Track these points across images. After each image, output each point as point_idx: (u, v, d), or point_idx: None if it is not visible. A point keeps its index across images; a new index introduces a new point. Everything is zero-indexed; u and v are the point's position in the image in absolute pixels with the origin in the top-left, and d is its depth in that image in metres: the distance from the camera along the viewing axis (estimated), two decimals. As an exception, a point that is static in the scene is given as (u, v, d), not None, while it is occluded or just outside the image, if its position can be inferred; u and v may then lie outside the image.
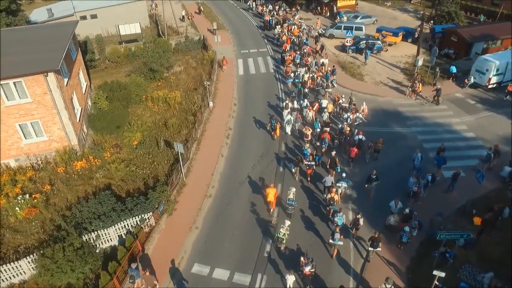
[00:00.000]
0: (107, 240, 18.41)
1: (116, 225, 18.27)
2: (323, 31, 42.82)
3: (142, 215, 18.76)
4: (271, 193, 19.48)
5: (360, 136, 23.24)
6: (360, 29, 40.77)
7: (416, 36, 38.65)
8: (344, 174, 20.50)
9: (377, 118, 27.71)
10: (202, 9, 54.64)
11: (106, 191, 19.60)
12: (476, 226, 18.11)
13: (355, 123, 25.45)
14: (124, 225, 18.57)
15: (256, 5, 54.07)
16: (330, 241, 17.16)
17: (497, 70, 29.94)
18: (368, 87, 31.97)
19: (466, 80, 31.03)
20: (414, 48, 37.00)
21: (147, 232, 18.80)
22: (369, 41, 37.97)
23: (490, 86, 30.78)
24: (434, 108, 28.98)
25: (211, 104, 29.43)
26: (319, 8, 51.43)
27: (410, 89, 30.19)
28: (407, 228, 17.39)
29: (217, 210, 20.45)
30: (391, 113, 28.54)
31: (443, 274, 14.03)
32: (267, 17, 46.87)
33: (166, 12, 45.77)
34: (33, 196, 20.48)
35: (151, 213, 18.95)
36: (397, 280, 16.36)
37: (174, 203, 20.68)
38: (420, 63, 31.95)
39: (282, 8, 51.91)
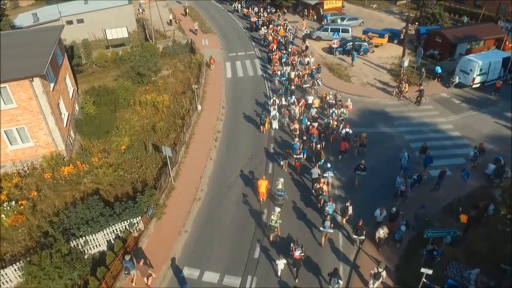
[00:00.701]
0: (96, 245, 18.25)
1: (104, 230, 18.12)
2: (309, 32, 43.31)
3: (131, 220, 18.64)
4: (263, 185, 20.18)
5: (347, 130, 24.20)
6: (346, 31, 41.19)
7: (402, 37, 39.15)
8: (329, 165, 21.16)
9: (364, 119, 28.00)
10: (188, 11, 54.85)
11: (94, 196, 19.47)
12: (462, 224, 18.37)
13: (340, 118, 26.29)
14: (113, 230, 18.43)
15: (242, 7, 54.71)
16: (321, 228, 17.95)
17: (481, 70, 30.51)
18: (355, 88, 32.28)
19: (452, 79, 31.53)
20: (400, 49, 37.48)
21: (136, 237, 18.68)
22: (356, 42, 38.37)
23: (474, 86, 31.34)
24: (420, 108, 29.39)
25: (199, 107, 29.42)
26: (305, 10, 51.80)
27: (397, 89, 30.57)
28: (403, 228, 17.70)
29: (206, 213, 20.43)
30: (378, 114, 28.86)
31: (430, 272, 14.26)
32: (253, 19, 47.47)
33: (153, 16, 45.66)
34: (19, 203, 20.24)
35: (139, 218, 18.84)
36: (386, 279, 16.52)
37: (163, 207, 20.61)
38: (406, 64, 32.40)
39: (268, 10, 52.52)
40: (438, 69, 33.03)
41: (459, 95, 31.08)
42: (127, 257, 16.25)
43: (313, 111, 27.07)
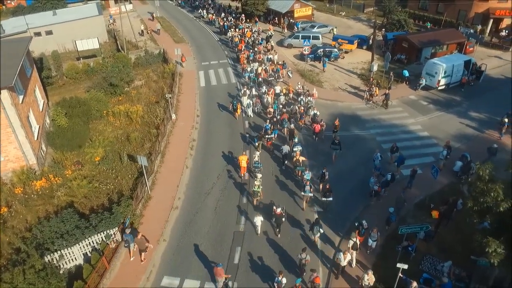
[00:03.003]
0: (72, 259, 17.89)
1: (80, 243, 17.77)
2: (273, 34, 45.51)
3: (108, 231, 18.35)
4: (244, 160, 22.62)
5: (315, 111, 27.61)
6: (317, 38, 42.17)
7: (370, 43, 40.42)
8: (296, 140, 24.30)
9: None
10: (156, 16, 55.74)
11: (68, 209, 19.02)
12: (434, 219, 19.05)
13: (308, 106, 29.04)
14: (89, 243, 18.10)
15: (207, 13, 57.20)
16: (302, 193, 20.54)
17: (445, 72, 31.87)
18: (327, 93, 33.01)
19: (419, 81, 32.80)
20: (368, 55, 38.66)
21: (114, 248, 18.37)
22: (326, 49, 39.32)
23: (440, 88, 32.67)
24: (390, 110, 30.35)
25: (173, 116, 29.34)
26: (276, 19, 52.75)
27: (368, 93, 31.48)
28: (391, 209, 18.89)
29: (184, 221, 20.34)
30: (351, 117, 29.60)
31: (406, 266, 14.72)
32: (221, 22, 50.67)
33: (124, 27, 45.32)
34: (-12, 220, 19.56)
35: (116, 228, 18.56)
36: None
37: (140, 217, 20.37)
38: (375, 68, 33.46)
39: (233, 15, 54.99)
40: (406, 73, 34.28)
41: (426, 97, 32.32)
42: (127, 231, 17.68)
43: (282, 98, 30.06)
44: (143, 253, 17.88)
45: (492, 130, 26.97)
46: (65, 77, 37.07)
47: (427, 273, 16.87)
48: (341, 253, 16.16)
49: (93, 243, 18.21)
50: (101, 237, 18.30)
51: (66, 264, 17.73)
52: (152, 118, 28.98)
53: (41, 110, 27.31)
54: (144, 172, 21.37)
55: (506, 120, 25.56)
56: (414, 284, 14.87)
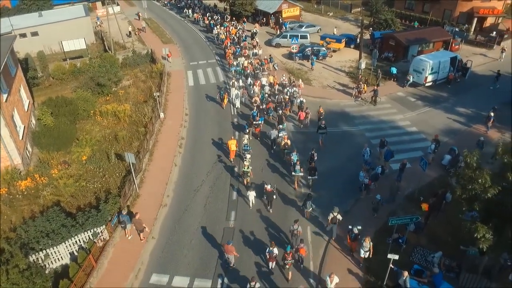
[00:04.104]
0: (58, 258, 17.47)
1: (66, 242, 17.38)
2: (258, 31, 46.13)
3: (95, 229, 17.99)
4: (233, 144, 23.54)
5: (301, 99, 28.86)
6: (305, 37, 42.31)
7: (358, 42, 40.65)
8: (281, 126, 25.47)
9: (326, 120, 28.33)
10: (144, 17, 55.76)
11: (54, 207, 18.63)
12: (424, 212, 19.09)
13: (294, 96, 29.89)
14: (76, 241, 17.73)
15: (192, 13, 58.48)
16: (293, 173, 21.45)
17: (432, 69, 32.17)
18: (316, 91, 33.07)
19: (407, 78, 33.06)
20: (356, 53, 38.76)
21: (101, 247, 18.03)
22: (314, 48, 39.45)
23: (427, 84, 32.95)
24: (378, 106, 30.50)
25: (162, 115, 29.07)
26: (264, 19, 52.88)
27: (356, 90, 31.60)
28: (378, 197, 19.17)
29: (173, 219, 20.08)
30: (340, 114, 29.66)
31: (396, 257, 14.68)
32: (206, 21, 51.81)
33: (112, 28, 44.94)
34: (-29, 221, 19.05)
35: (104, 226, 18.23)
36: (355, 269, 16.87)
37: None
38: (363, 66, 33.60)
39: (219, 15, 55.83)
40: (394, 70, 34.52)
41: (414, 94, 32.57)
42: (124, 211, 18.38)
43: (267, 89, 31.47)
44: (141, 233, 18.44)
45: (479, 124, 27.25)
46: (51, 77, 36.56)
47: (418, 264, 16.86)
48: (328, 276, 15.35)
49: (80, 242, 17.84)
50: (88, 236, 17.93)
51: (52, 263, 17.32)
52: (140, 117, 28.69)
53: (26, 110, 26.85)
54: (132, 170, 21.07)
55: (492, 114, 25.85)
56: (405, 274, 14.85)
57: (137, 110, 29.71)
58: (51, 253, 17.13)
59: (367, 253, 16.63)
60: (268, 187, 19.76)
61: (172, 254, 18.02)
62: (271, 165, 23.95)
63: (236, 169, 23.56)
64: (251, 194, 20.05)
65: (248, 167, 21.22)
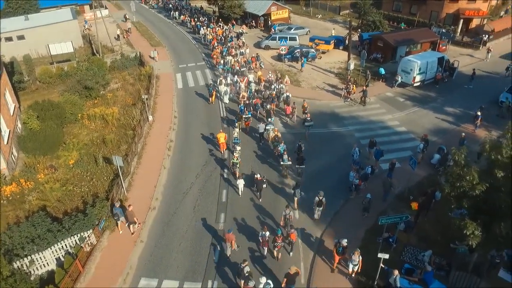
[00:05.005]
0: (43, 264, 17.11)
1: (52, 247, 17.02)
2: (245, 32, 47.40)
3: (82, 234, 17.66)
4: (222, 136, 24.19)
5: (287, 94, 29.96)
6: (294, 39, 42.36)
7: (346, 43, 40.83)
8: (269, 119, 26.23)
9: (316, 120, 28.48)
10: (132, 21, 55.50)
11: (40, 212, 18.25)
12: (413, 211, 19.12)
13: (281, 92, 30.74)
14: (62, 246, 17.37)
15: (179, 14, 59.20)
16: (282, 163, 22.36)
17: (420, 69, 32.42)
18: (305, 92, 33.08)
19: (395, 79, 33.25)
20: (345, 55, 38.90)
21: (88, 251, 17.69)
22: (304, 49, 39.52)
23: (415, 84, 33.19)
24: (368, 107, 30.62)
25: (150, 118, 28.79)
26: (253, 22, 52.90)
27: (345, 91, 31.68)
28: (369, 196, 19.15)
29: (162, 222, 19.81)
30: (329, 115, 29.70)
31: (387, 256, 14.65)
32: (193, 23, 52.68)
33: (100, 32, 44.51)
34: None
35: (91, 231, 17.90)
36: (345, 269, 16.75)
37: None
38: (352, 67, 33.73)
39: (206, 16, 56.57)
40: (382, 71, 34.71)
41: (403, 94, 32.77)
42: (117, 204, 18.56)
43: (253, 85, 32.10)
44: (131, 226, 18.77)
45: (467, 123, 27.48)
46: (38, 81, 36.02)
47: (408, 263, 16.86)
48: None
49: (67, 247, 17.48)
50: (75, 240, 17.60)
51: (38, 270, 16.94)
52: (129, 120, 28.39)
53: (12, 114, 26.38)
54: (120, 173, 20.78)
55: (479, 113, 26.08)
56: (396, 272, 14.81)
57: (125, 113, 29.40)
58: (37, 259, 16.77)
59: (356, 267, 16.04)
60: (258, 176, 20.51)
61: (161, 258, 17.75)
62: (260, 156, 24.82)
63: (226, 170, 23.51)
64: (240, 183, 20.89)
65: (237, 159, 21.98)
